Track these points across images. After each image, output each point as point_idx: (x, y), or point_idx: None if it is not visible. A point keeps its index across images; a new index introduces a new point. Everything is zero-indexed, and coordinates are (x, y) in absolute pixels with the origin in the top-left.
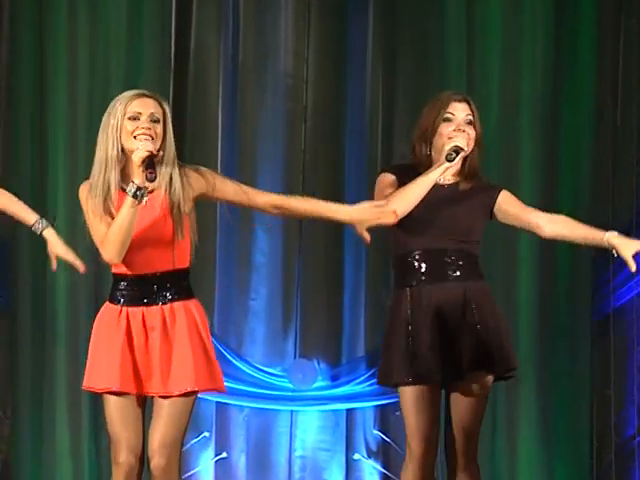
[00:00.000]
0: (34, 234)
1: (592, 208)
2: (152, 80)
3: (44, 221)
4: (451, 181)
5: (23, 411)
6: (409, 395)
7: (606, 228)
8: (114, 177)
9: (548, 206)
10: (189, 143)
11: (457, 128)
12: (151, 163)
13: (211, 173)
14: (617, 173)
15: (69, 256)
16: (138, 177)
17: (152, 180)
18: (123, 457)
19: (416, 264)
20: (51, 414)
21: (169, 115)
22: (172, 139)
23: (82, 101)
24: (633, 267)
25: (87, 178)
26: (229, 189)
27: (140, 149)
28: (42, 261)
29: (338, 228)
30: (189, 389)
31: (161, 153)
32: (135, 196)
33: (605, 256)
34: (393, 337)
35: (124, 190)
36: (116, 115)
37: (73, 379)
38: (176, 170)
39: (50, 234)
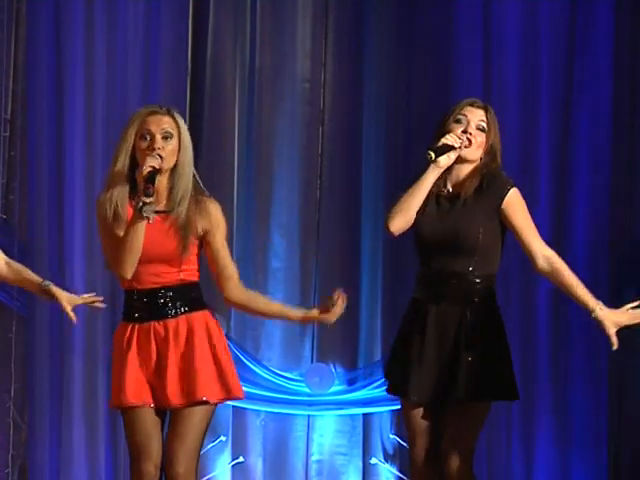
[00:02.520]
0: (52, 239)
1: (610, 211)
2: (169, 86)
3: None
4: (452, 190)
5: (40, 417)
6: (405, 408)
7: (624, 232)
8: (123, 192)
9: (567, 209)
10: (206, 148)
11: (464, 129)
12: (152, 179)
13: (220, 224)
14: (635, 176)
15: (80, 300)
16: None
17: (148, 195)
18: (144, 467)
19: (420, 281)
20: (68, 420)
21: (184, 128)
22: (188, 153)
23: (99, 110)
24: (615, 345)
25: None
26: (218, 252)
27: (145, 165)
28: (59, 267)
29: (355, 232)
30: (204, 398)
31: (165, 166)
32: (140, 211)
33: (622, 260)
34: (396, 345)
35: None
36: (130, 133)
37: (89, 385)
38: (189, 188)
39: (58, 289)
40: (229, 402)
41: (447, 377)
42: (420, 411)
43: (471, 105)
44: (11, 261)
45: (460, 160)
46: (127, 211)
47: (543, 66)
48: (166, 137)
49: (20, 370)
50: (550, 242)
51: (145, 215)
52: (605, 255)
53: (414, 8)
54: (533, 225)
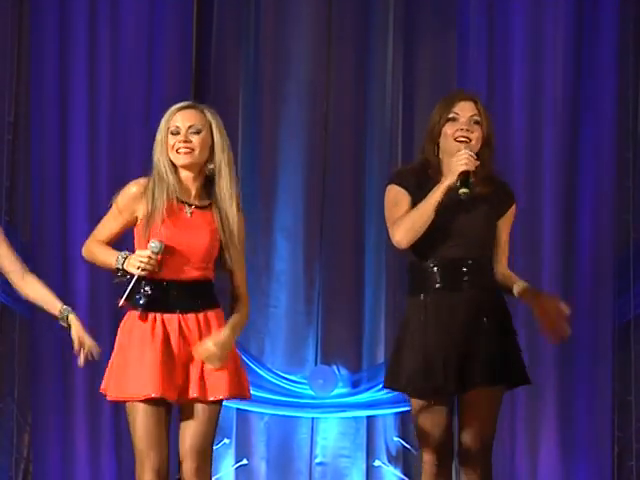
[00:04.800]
0: (55, 241)
1: (612, 216)
2: (172, 88)
3: (67, 308)
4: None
5: (43, 419)
6: (421, 406)
7: (626, 236)
8: (170, 187)
9: (570, 213)
10: None
11: (461, 127)
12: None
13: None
14: (637, 181)
15: (89, 341)
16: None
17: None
18: (148, 477)
19: (432, 272)
20: (71, 422)
21: (215, 123)
22: (226, 150)
23: (102, 112)
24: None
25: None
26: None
27: (134, 263)
28: (62, 269)
29: (359, 234)
30: (222, 397)
31: (197, 160)
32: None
33: (626, 263)
34: (407, 343)
35: (179, 200)
36: (161, 130)
37: (93, 387)
38: (232, 190)
39: (75, 319)
40: (231, 402)
41: (469, 363)
42: (438, 409)
43: (460, 100)
44: (33, 280)
45: None
46: (168, 205)
47: (548, 68)
48: (194, 132)
49: (23, 373)
50: (556, 242)
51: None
52: (610, 255)
53: (418, 10)
54: (506, 243)
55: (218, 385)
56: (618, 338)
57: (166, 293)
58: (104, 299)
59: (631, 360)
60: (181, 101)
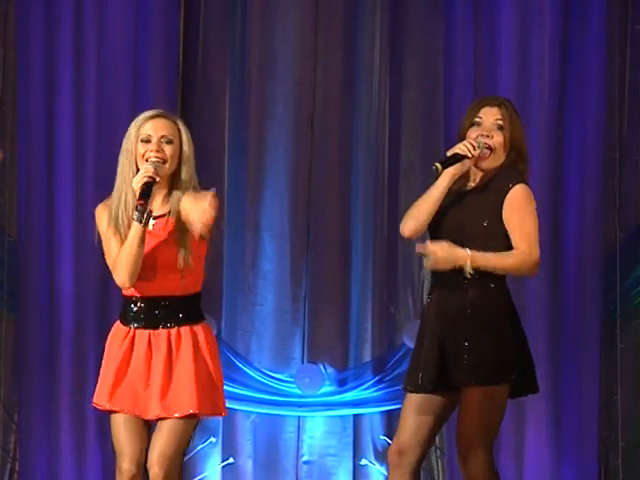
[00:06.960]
0: (41, 241)
1: (599, 215)
2: (159, 90)
3: None
4: (475, 185)
5: (30, 418)
6: (406, 400)
7: (613, 235)
8: (131, 200)
9: (557, 212)
10: (196, 151)
11: (482, 133)
12: (147, 192)
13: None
14: (623, 180)
15: None
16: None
17: (140, 212)
18: (125, 465)
19: (434, 273)
20: (57, 420)
21: (186, 135)
22: (191, 160)
23: (89, 110)
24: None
25: (104, 199)
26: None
27: (140, 175)
28: (48, 268)
29: (345, 233)
30: (191, 411)
31: (166, 171)
32: (140, 220)
33: (612, 261)
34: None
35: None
36: (130, 138)
37: (79, 387)
38: (188, 194)
39: None
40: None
41: (448, 363)
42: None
43: (485, 105)
44: None
45: (485, 167)
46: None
47: (534, 68)
48: (166, 142)
49: (10, 372)
50: (543, 241)
51: (144, 223)
52: (596, 254)
53: (405, 9)
54: (528, 229)
55: (182, 401)
56: (604, 337)
57: (140, 309)
58: (90, 301)
59: (617, 359)
60: (165, 104)
